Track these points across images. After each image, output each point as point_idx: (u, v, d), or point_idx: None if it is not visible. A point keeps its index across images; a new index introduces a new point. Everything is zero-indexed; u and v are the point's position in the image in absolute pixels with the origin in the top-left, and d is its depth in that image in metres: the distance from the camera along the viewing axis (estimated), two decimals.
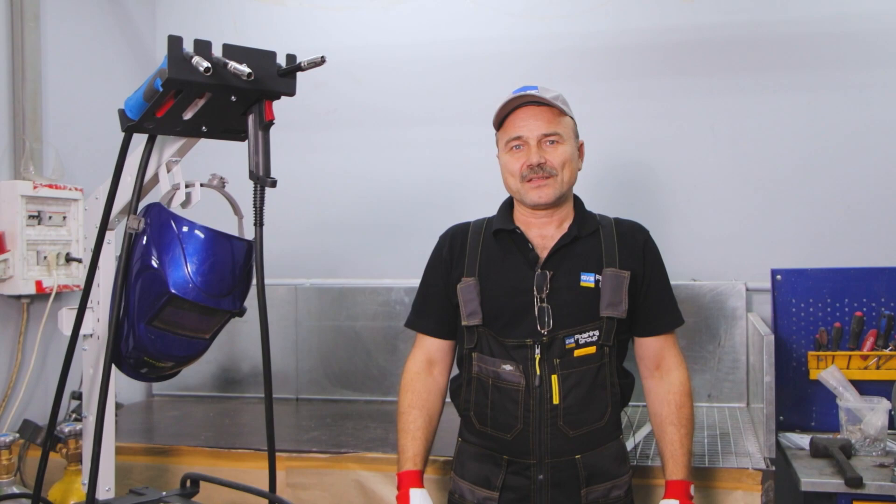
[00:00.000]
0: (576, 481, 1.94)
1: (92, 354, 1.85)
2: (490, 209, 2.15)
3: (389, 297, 3.37)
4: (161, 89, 1.43)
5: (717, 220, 3.17)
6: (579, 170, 2.04)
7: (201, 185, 1.66)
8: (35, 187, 2.78)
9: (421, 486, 1.98)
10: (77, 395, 2.64)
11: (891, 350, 2.73)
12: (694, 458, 2.35)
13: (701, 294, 3.10)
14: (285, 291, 3.48)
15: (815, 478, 2.28)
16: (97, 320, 1.83)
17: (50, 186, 2.83)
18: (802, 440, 2.63)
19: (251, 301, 1.61)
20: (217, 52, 1.44)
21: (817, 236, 3.07)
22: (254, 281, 1.60)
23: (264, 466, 1.64)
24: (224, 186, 1.72)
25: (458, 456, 2.08)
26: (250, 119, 1.52)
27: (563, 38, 3.31)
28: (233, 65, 1.38)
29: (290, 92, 1.52)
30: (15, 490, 2.20)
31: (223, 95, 1.48)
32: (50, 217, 2.85)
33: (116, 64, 3.37)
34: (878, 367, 2.73)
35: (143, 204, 1.66)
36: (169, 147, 1.65)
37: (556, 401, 1.92)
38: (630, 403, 2.09)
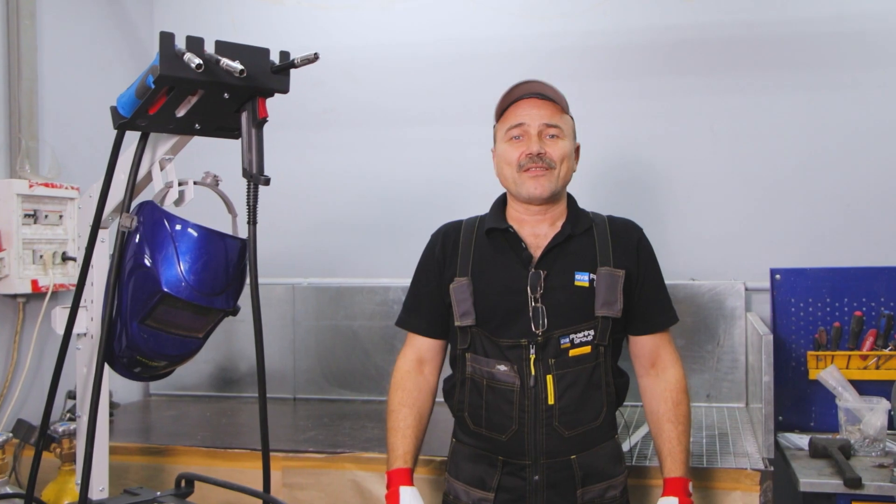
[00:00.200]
0: (571, 482, 1.92)
1: (86, 353, 1.84)
2: (488, 209, 2.14)
3: (387, 296, 3.36)
4: (153, 86, 1.42)
5: (717, 219, 3.16)
6: (574, 171, 2.04)
7: (195, 183, 1.65)
8: (31, 186, 2.77)
9: (411, 483, 1.97)
10: (73, 395, 2.63)
11: (890, 350, 2.72)
12: (692, 458, 2.34)
13: (700, 294, 3.09)
14: (283, 291, 3.48)
15: (814, 478, 2.27)
16: (91, 319, 1.82)
17: (46, 185, 2.82)
18: (801, 440, 2.62)
19: (245, 300, 1.60)
20: (210, 48, 1.43)
21: (817, 236, 3.06)
22: (248, 280, 1.59)
23: (260, 466, 1.62)
24: (218, 184, 1.70)
25: (452, 457, 2.07)
26: (244, 116, 1.51)
27: (562, 38, 3.30)
28: (225, 61, 1.37)
29: (284, 89, 1.51)
30: (9, 490, 2.19)
31: (216, 92, 1.47)
32: (46, 216, 2.84)
33: (114, 63, 3.36)
34: (877, 367, 2.73)
35: (136, 202, 1.65)
36: (162, 145, 1.64)
37: (551, 401, 1.91)
38: (626, 403, 2.08)
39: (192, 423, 3.08)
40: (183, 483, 1.73)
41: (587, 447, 1.94)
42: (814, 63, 3.08)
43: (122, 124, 1.56)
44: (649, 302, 2.02)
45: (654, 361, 2.04)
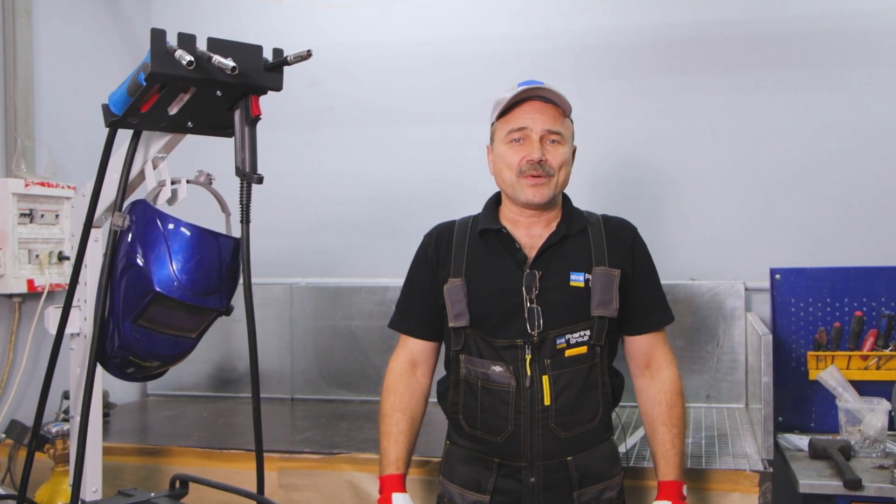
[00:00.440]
0: (568, 483, 1.91)
1: (79, 353, 1.82)
2: None
3: (385, 296, 3.35)
4: (144, 83, 1.41)
5: (716, 218, 3.14)
6: (570, 174, 2.02)
7: (188, 181, 1.63)
8: (27, 185, 2.76)
9: (403, 490, 1.95)
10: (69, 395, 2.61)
11: (891, 350, 2.70)
12: (691, 459, 2.33)
13: (699, 294, 3.07)
14: (280, 290, 3.47)
15: (814, 479, 2.26)
16: (84, 319, 1.81)
17: (42, 184, 2.81)
18: (801, 441, 2.60)
19: (239, 300, 1.58)
20: (203, 46, 1.41)
21: (817, 235, 3.04)
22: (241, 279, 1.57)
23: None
24: (211, 183, 1.69)
25: (446, 459, 2.05)
26: (237, 114, 1.50)
27: (561, 36, 3.29)
28: (217, 58, 1.35)
29: (277, 87, 1.50)
30: (2, 491, 2.18)
31: (208, 90, 1.46)
32: (42, 215, 2.83)
33: (111, 61, 3.35)
34: (878, 368, 2.71)
35: (129, 201, 1.64)
36: (155, 143, 1.62)
37: (547, 402, 1.89)
38: (625, 404, 2.07)
39: (189, 423, 3.06)
40: (177, 484, 1.71)
41: (583, 448, 1.92)
42: (814, 62, 3.07)
43: (113, 122, 1.54)
44: (644, 301, 2.01)
45: (649, 362, 2.02)
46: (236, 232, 1.59)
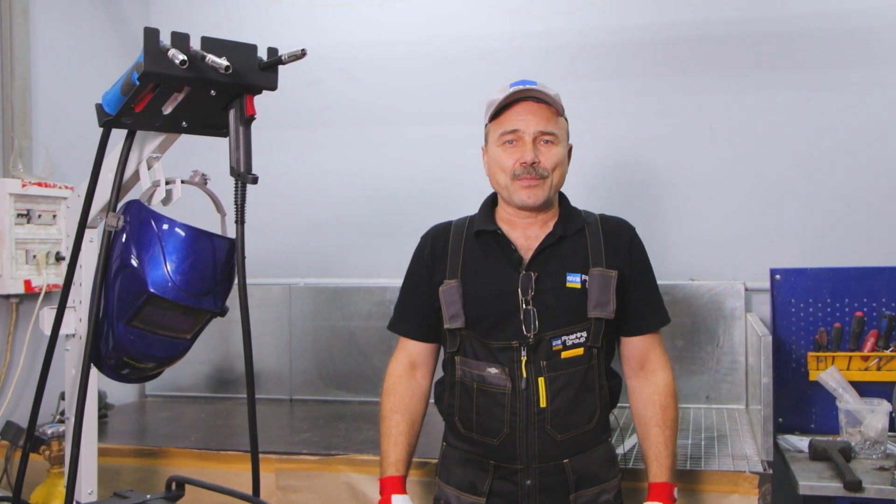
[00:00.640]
0: (564, 486, 1.89)
1: (74, 354, 1.82)
2: None
3: (385, 296, 3.34)
4: (138, 83, 1.40)
5: (716, 218, 3.13)
6: (566, 173, 2.00)
7: (182, 181, 1.63)
8: (24, 185, 2.75)
9: (403, 492, 1.94)
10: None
11: (891, 351, 2.69)
12: (690, 460, 2.32)
13: (699, 294, 3.06)
14: (279, 291, 3.46)
15: (814, 481, 2.24)
16: (80, 320, 1.80)
17: (39, 185, 2.80)
18: (801, 442, 2.59)
19: (234, 301, 1.57)
20: (197, 45, 1.40)
21: (817, 235, 3.03)
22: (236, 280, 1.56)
23: None
24: (206, 183, 1.68)
25: (442, 460, 2.04)
26: (231, 114, 1.49)
27: (560, 35, 3.28)
28: (211, 58, 1.35)
29: (272, 86, 1.49)
30: None
31: (202, 89, 1.45)
32: (39, 216, 2.82)
33: (109, 61, 3.33)
34: (878, 369, 2.70)
35: (123, 201, 1.63)
36: (149, 143, 1.62)
37: (543, 404, 1.88)
38: (623, 405, 2.05)
39: (187, 424, 3.05)
40: (173, 486, 1.71)
41: (580, 450, 1.91)
42: (814, 61, 3.05)
43: (107, 122, 1.53)
44: (640, 302, 1.99)
45: (644, 363, 2.01)
46: (231, 232, 1.58)
